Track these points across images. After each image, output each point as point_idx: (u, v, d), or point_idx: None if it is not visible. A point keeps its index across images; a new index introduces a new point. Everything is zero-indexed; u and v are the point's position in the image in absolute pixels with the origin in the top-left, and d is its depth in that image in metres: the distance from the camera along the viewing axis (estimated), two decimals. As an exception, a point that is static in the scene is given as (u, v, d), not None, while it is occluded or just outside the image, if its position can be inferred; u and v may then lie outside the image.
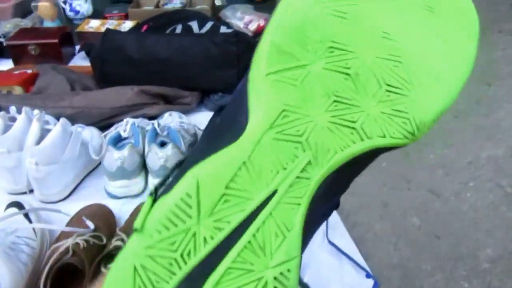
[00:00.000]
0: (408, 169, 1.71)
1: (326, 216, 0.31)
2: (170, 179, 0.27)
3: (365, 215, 1.51)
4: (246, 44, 0.89)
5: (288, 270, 0.24)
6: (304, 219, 0.25)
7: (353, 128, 0.26)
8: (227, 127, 0.26)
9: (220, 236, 0.23)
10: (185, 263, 0.23)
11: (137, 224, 0.23)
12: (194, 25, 1.06)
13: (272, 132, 0.25)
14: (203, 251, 0.23)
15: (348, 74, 0.26)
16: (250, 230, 0.24)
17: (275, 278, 0.23)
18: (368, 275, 0.59)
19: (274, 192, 0.25)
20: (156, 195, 0.25)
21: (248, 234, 0.24)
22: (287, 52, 0.26)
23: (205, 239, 0.23)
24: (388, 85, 0.26)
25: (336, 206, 0.32)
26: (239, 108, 0.26)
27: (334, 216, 0.68)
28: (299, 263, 0.25)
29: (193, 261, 0.23)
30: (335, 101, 0.26)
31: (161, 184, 0.26)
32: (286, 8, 0.26)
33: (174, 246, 0.23)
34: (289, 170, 0.25)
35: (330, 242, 0.63)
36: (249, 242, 0.24)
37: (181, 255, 0.23)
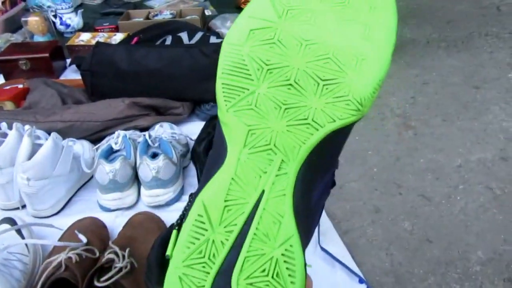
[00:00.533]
0: (398, 174, 1.73)
1: (324, 195, 0.37)
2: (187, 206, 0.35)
3: (357, 221, 1.51)
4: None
5: (291, 246, 0.31)
6: (293, 204, 0.32)
7: (307, 123, 0.32)
8: (216, 157, 0.34)
9: (232, 236, 0.31)
10: (213, 263, 0.30)
11: (169, 251, 0.31)
12: (184, 36, 1.07)
13: (246, 150, 0.32)
14: (223, 251, 0.30)
15: (290, 84, 0.33)
16: (253, 225, 0.31)
17: (282, 254, 0.30)
18: (361, 281, 0.60)
19: (263, 192, 0.32)
20: (179, 226, 0.32)
21: (253, 228, 0.31)
22: (236, 86, 0.33)
23: (222, 242, 0.31)
24: (324, 80, 0.33)
25: (332, 184, 0.38)
26: (220, 140, 0.34)
27: (326, 223, 0.69)
28: (299, 238, 0.31)
29: (219, 260, 0.30)
30: (286, 109, 0.33)
31: (181, 218, 0.33)
32: (224, 54, 0.34)
33: (202, 254, 0.30)
34: (269, 172, 0.32)
35: (322, 248, 0.63)
36: (255, 234, 0.31)
37: (209, 258, 0.30)
